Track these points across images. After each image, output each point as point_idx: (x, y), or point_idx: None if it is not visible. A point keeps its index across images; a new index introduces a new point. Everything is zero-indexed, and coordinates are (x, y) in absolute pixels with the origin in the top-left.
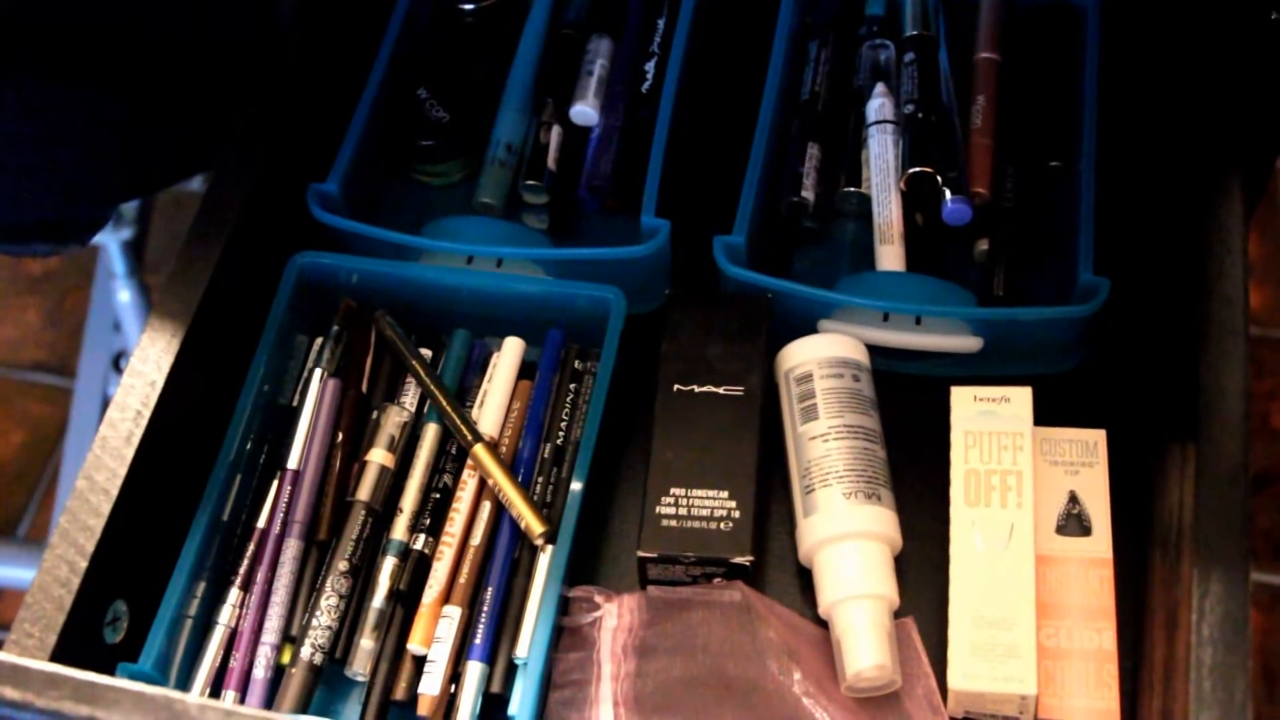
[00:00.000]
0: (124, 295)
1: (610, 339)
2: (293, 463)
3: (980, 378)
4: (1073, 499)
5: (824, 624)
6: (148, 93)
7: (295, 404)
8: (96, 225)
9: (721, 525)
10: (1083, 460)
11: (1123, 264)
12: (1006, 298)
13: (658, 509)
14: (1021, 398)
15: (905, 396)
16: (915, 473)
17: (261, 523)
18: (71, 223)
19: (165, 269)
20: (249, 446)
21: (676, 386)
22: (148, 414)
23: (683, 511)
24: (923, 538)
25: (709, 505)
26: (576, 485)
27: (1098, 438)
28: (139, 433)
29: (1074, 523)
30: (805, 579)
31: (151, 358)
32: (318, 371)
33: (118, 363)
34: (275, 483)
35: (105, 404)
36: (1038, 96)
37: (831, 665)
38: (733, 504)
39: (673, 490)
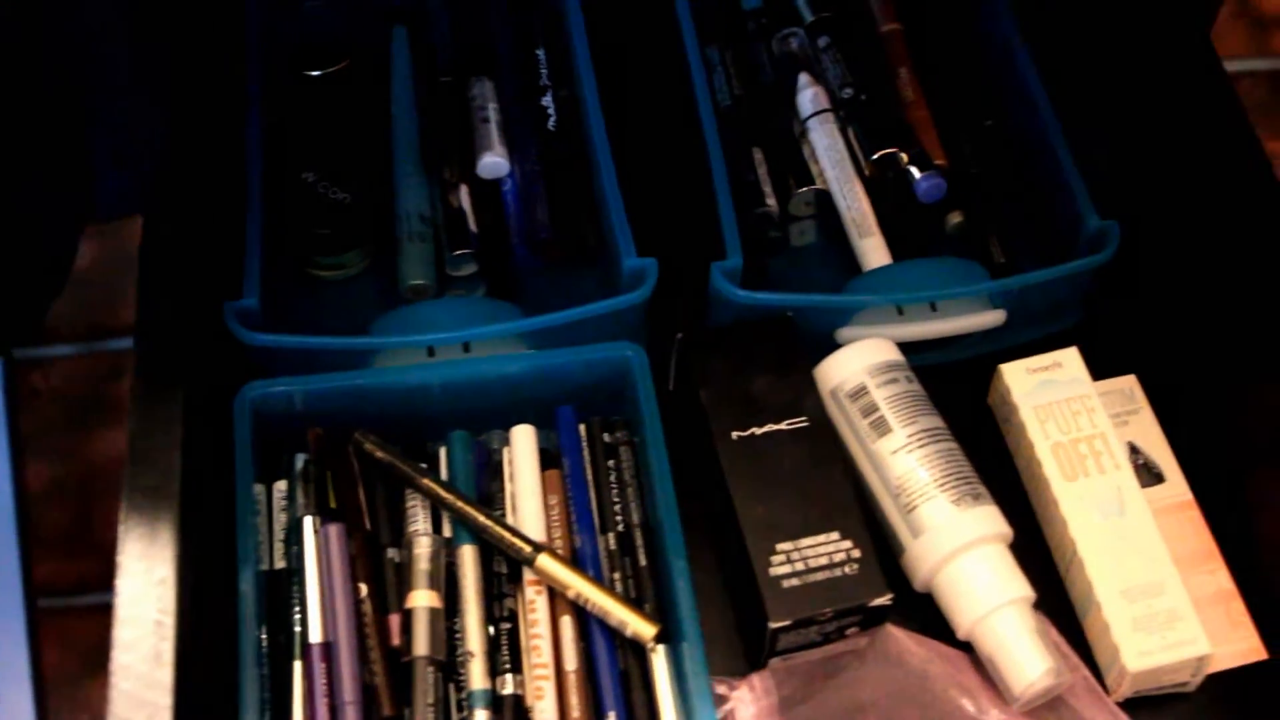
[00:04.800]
0: None
1: (647, 400)
2: (316, 635)
3: (996, 355)
4: (1133, 450)
5: (960, 644)
6: None
7: (285, 566)
8: None
9: (846, 570)
10: (1126, 409)
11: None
12: (1009, 263)
13: (771, 571)
14: (1072, 359)
15: (929, 387)
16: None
17: (299, 717)
18: None
19: None
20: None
21: (735, 434)
22: (170, 621)
23: (799, 567)
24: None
25: (825, 552)
26: (680, 566)
27: (1130, 384)
28: (168, 647)
29: (1144, 473)
30: (916, 605)
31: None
32: (307, 520)
33: None
34: (299, 664)
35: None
36: (950, 59)
37: (991, 684)
38: (848, 544)
39: (779, 547)
